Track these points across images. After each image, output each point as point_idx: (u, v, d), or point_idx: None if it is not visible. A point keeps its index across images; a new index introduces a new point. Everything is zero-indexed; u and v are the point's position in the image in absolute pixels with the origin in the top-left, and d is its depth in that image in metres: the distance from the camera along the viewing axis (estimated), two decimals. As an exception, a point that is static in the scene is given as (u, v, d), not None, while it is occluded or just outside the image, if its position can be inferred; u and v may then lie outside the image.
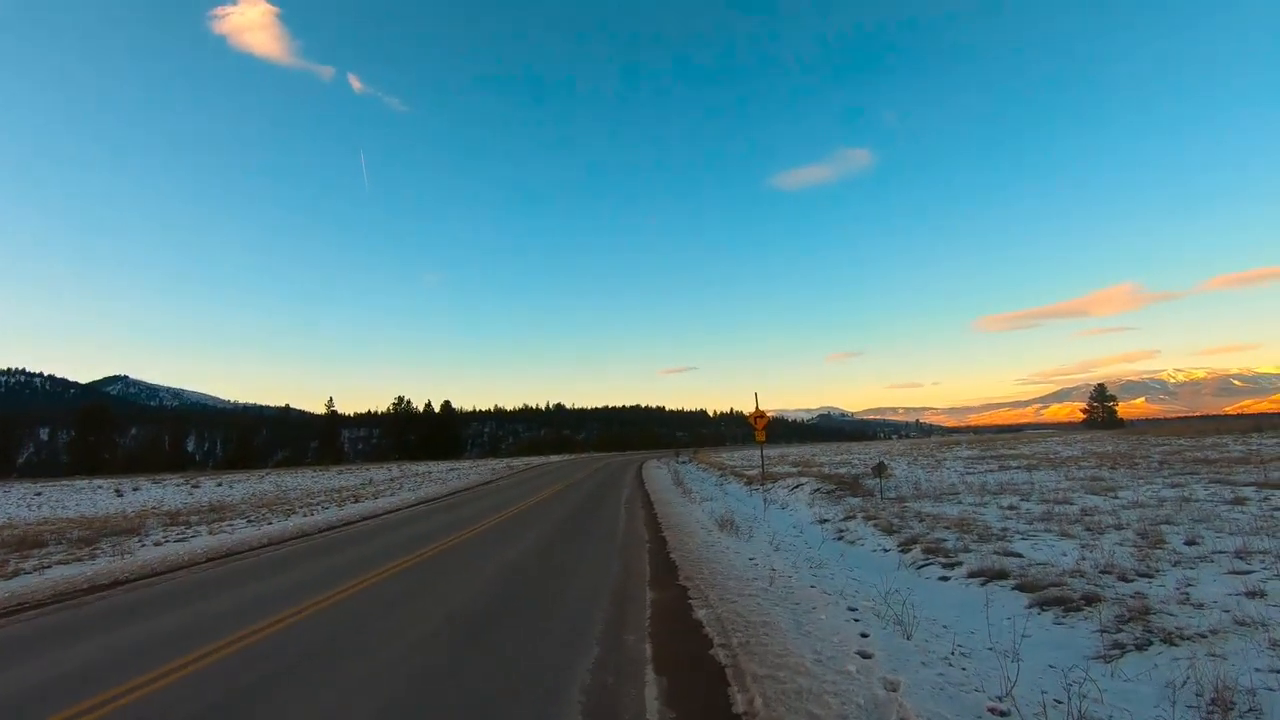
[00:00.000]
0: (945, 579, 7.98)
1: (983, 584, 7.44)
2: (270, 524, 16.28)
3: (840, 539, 11.77)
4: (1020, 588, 7.06)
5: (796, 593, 6.13)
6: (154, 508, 26.89)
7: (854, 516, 13.63)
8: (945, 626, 5.56)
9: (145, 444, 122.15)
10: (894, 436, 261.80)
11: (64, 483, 53.70)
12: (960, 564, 8.38)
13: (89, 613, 6.58)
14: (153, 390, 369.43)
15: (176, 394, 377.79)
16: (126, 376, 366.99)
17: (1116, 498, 13.63)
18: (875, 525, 12.15)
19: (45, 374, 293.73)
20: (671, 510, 14.98)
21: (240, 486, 40.09)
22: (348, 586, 7.24)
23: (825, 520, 13.97)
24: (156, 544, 13.13)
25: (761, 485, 23.62)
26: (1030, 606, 6.43)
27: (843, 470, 27.01)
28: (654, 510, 15.06)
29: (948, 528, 11.20)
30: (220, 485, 43.02)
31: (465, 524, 13.46)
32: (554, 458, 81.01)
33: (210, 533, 14.93)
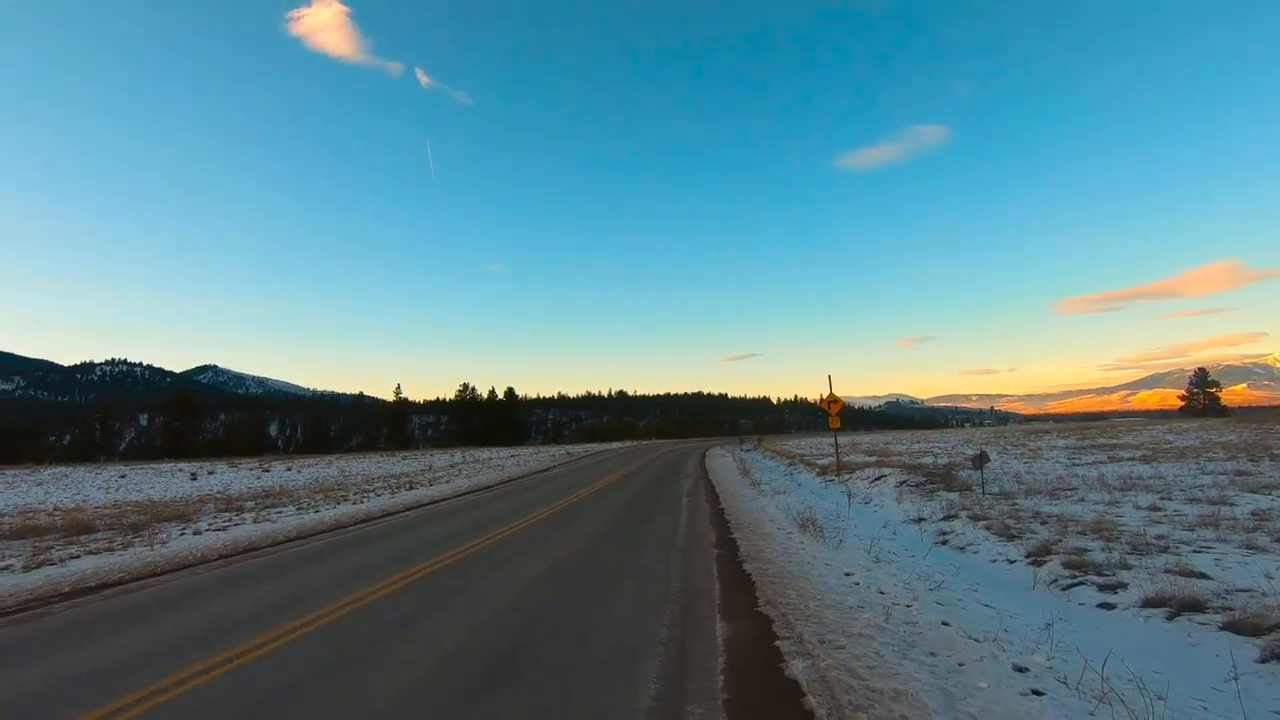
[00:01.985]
0: (1108, 607, 6.08)
1: (1169, 618, 5.53)
2: (317, 511, 15.66)
3: (945, 544, 9.87)
4: (1231, 628, 5.13)
5: (926, 633, 4.41)
6: (219, 492, 27.10)
7: (956, 515, 11.66)
8: (1161, 698, 3.75)
9: (231, 430, 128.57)
10: (967, 424, 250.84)
11: (151, 466, 56.15)
12: (1123, 585, 6.44)
13: (38, 629, 5.48)
14: (239, 379, 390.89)
15: (261, 382, 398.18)
16: (216, 366, 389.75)
17: (1290, 498, 11.17)
18: (986, 528, 10.19)
19: (145, 364, 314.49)
20: (740, 505, 13.32)
21: (307, 471, 40.56)
22: (342, 603, 5.92)
23: (921, 519, 12.04)
24: (196, 533, 12.52)
25: (837, 475, 21.64)
26: (1265, 660, 4.53)
27: (926, 461, 24.67)
28: (720, 505, 13.41)
29: (1082, 533, 9.18)
30: (290, 470, 43.74)
31: (509, 518, 12.18)
32: (614, 445, 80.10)
33: (255, 521, 14.37)
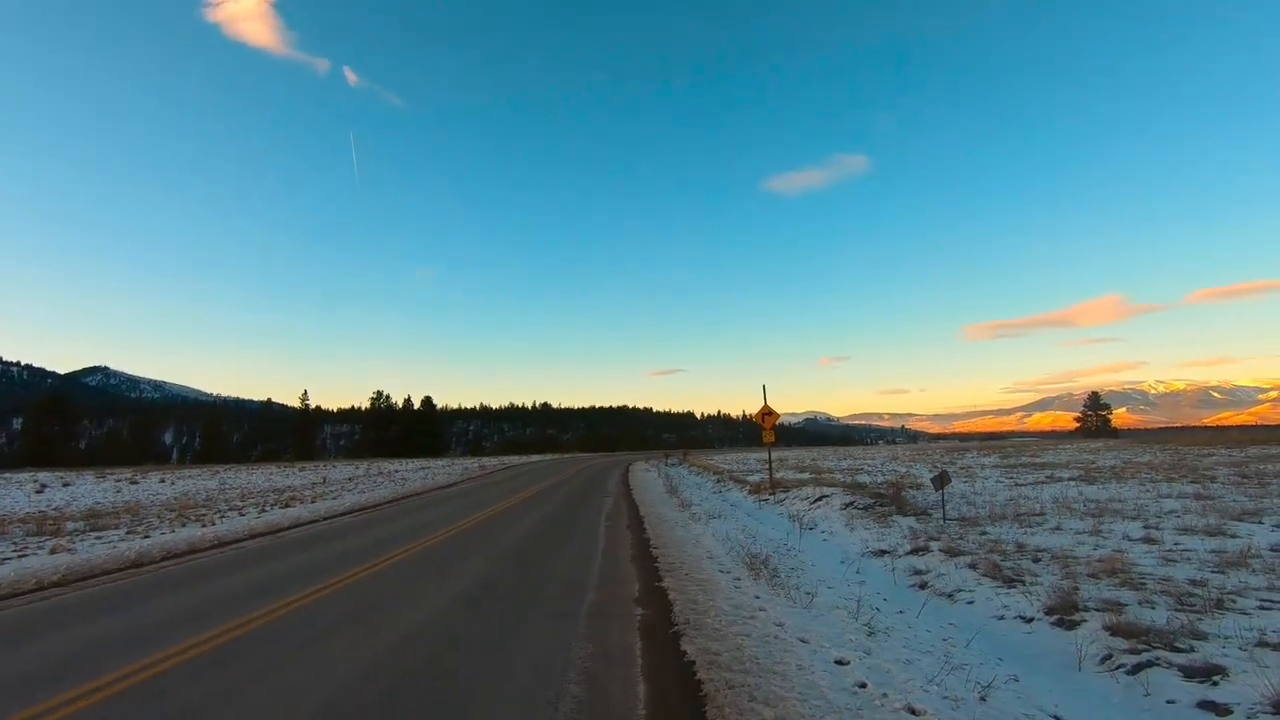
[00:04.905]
0: (1218, 710, 4.10)
1: (1335, 741, 3.59)
2: (147, 537, 12.81)
3: (924, 588, 7.87)
4: None
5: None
6: (55, 509, 22.73)
7: (925, 549, 9.76)
8: None
9: (113, 436, 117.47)
10: (880, 441, 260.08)
11: (3, 475, 49.43)
12: (1221, 671, 4.50)
13: None
14: (133, 381, 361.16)
15: (158, 386, 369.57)
16: (107, 367, 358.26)
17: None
18: (970, 566, 8.28)
19: (22, 363, 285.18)
20: (669, 533, 11.03)
21: (181, 484, 35.78)
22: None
23: (884, 551, 10.08)
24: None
25: (772, 494, 19.76)
26: None
27: (864, 479, 23.18)
28: (645, 533, 11.03)
29: (1094, 576, 7.37)
30: (163, 481, 38.69)
31: (370, 553, 9.38)
32: (535, 457, 76.55)
33: (53, 551, 11.36)
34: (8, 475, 49.71)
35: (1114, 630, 5.45)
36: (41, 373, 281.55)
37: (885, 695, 3.57)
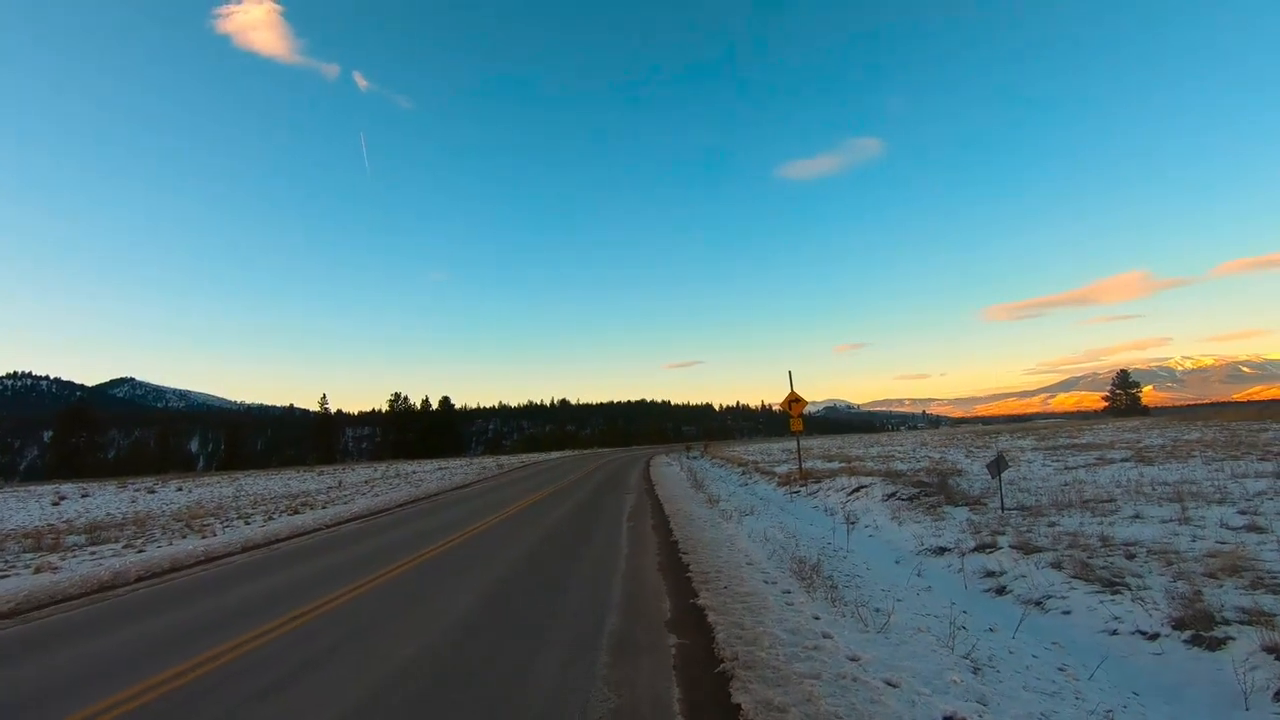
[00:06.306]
0: None
1: None
2: (142, 552, 12.16)
3: (1003, 593, 6.72)
4: None
5: None
6: (66, 521, 22.24)
7: (992, 545, 8.58)
8: None
9: (138, 446, 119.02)
10: (902, 428, 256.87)
11: (25, 488, 49.62)
12: None
13: None
14: (159, 392, 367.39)
15: (183, 395, 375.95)
16: (133, 378, 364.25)
17: None
18: (1054, 566, 7.11)
19: (52, 377, 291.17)
20: (699, 533, 9.93)
21: (198, 492, 35.39)
22: None
23: (944, 549, 8.92)
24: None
25: (804, 485, 18.61)
26: None
27: (899, 466, 21.90)
28: (672, 535, 9.92)
29: (1212, 576, 6.16)
30: (180, 490, 38.36)
31: (372, 566, 8.41)
32: (554, 454, 75.62)
33: (36, 570, 10.63)
34: (32, 488, 49.90)
35: (1277, 651, 4.29)
36: (70, 386, 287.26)
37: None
